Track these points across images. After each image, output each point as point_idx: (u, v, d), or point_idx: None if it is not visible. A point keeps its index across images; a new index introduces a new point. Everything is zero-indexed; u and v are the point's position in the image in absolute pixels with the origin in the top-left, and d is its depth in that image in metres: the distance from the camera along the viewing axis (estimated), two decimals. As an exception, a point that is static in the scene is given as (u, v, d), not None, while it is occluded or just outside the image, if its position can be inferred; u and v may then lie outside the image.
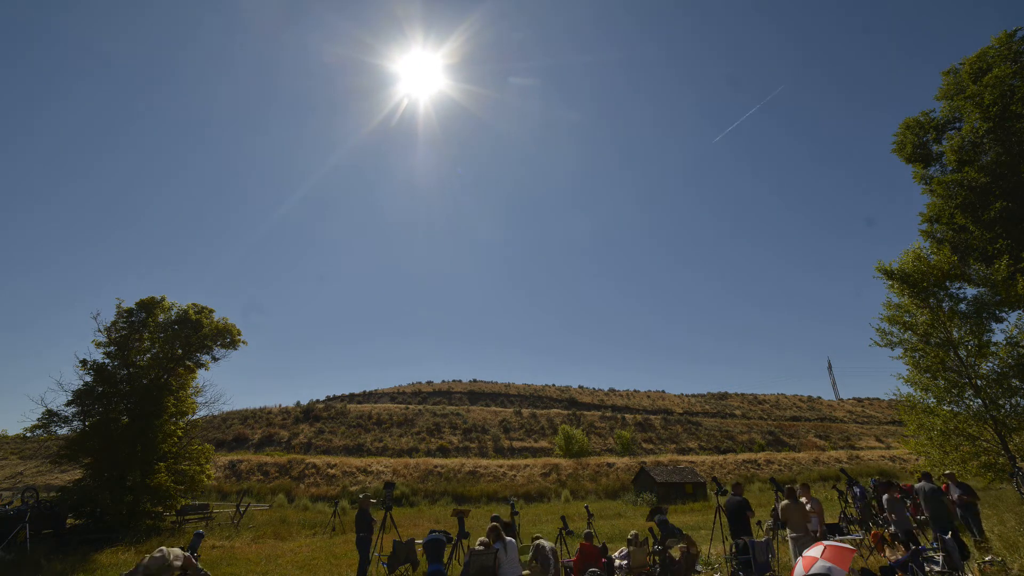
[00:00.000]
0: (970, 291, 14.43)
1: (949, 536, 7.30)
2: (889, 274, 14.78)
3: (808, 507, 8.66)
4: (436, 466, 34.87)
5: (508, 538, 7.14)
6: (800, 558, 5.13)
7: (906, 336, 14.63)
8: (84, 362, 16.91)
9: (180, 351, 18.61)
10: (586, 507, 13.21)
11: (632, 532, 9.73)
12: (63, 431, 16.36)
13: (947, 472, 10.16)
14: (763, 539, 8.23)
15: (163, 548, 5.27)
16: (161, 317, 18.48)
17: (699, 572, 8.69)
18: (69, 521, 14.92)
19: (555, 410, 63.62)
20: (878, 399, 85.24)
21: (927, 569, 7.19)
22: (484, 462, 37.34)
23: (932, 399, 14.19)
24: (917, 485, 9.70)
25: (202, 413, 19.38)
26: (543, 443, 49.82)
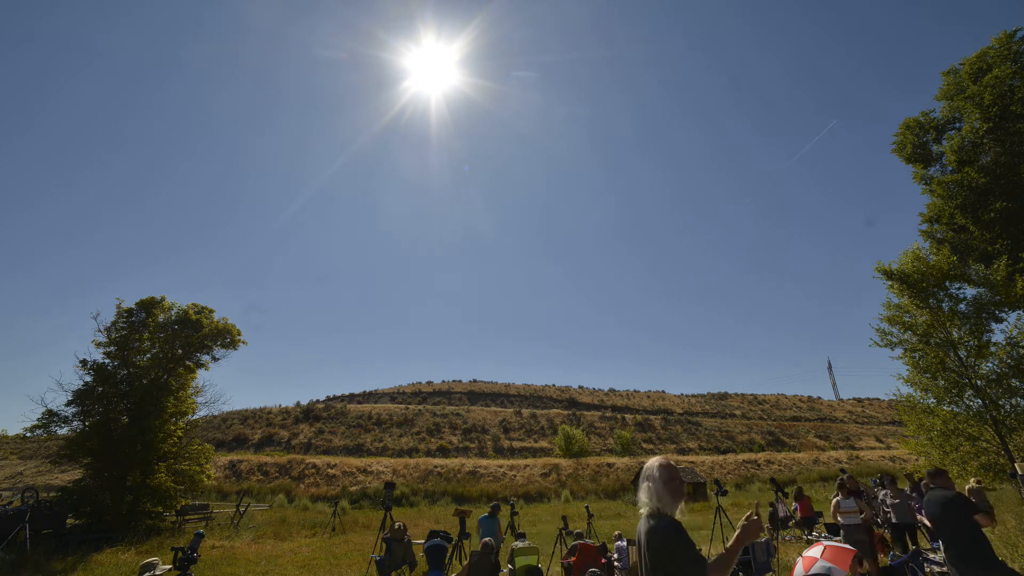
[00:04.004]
0: (970, 291, 14.42)
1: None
2: (889, 274, 14.75)
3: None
4: (436, 466, 34.86)
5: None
6: (800, 558, 5.13)
7: (906, 336, 14.60)
8: (84, 362, 16.91)
9: (180, 351, 18.62)
10: (586, 507, 13.21)
11: (616, 532, 9.73)
12: (63, 431, 16.36)
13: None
14: (763, 539, 8.23)
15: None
16: (161, 317, 18.48)
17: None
18: (69, 521, 14.91)
19: (555, 410, 63.59)
20: (878, 399, 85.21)
21: (927, 569, 7.19)
22: (484, 462, 37.33)
23: (932, 399, 14.15)
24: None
25: (202, 413, 19.39)
26: (543, 443, 49.81)
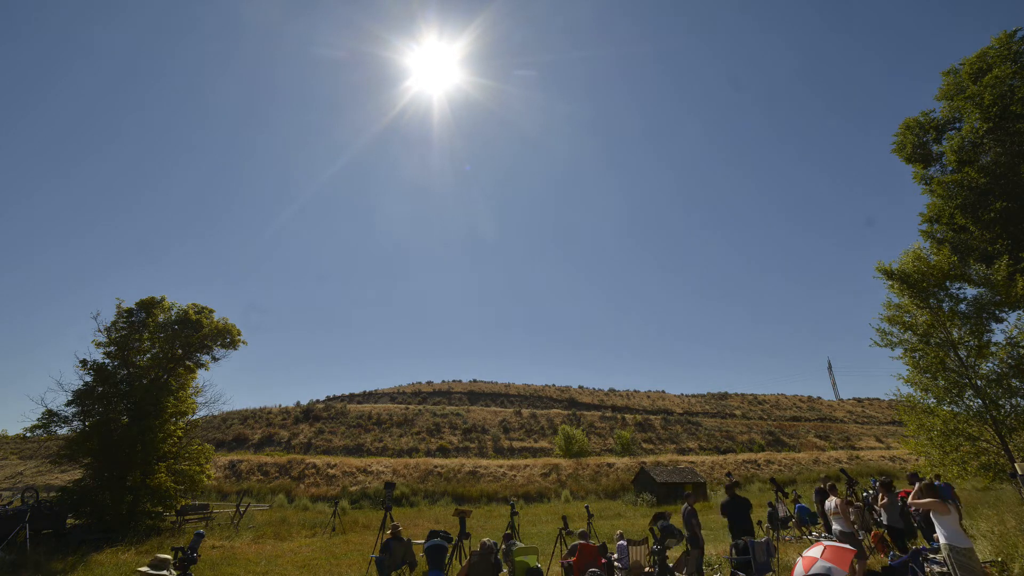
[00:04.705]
0: (970, 291, 14.41)
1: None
2: (889, 274, 14.75)
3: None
4: (436, 466, 34.87)
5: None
6: (800, 558, 5.13)
7: (906, 336, 14.60)
8: (84, 362, 16.92)
9: (180, 351, 18.63)
10: (586, 507, 13.22)
11: (618, 531, 9.77)
12: (63, 431, 16.37)
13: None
14: (763, 539, 8.23)
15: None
16: (161, 317, 18.49)
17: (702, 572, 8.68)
18: (69, 521, 14.92)
19: (555, 410, 63.58)
20: (878, 399, 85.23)
21: (927, 569, 7.19)
22: (484, 462, 37.33)
23: (932, 399, 14.16)
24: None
25: (202, 413, 19.41)
26: (543, 443, 49.80)
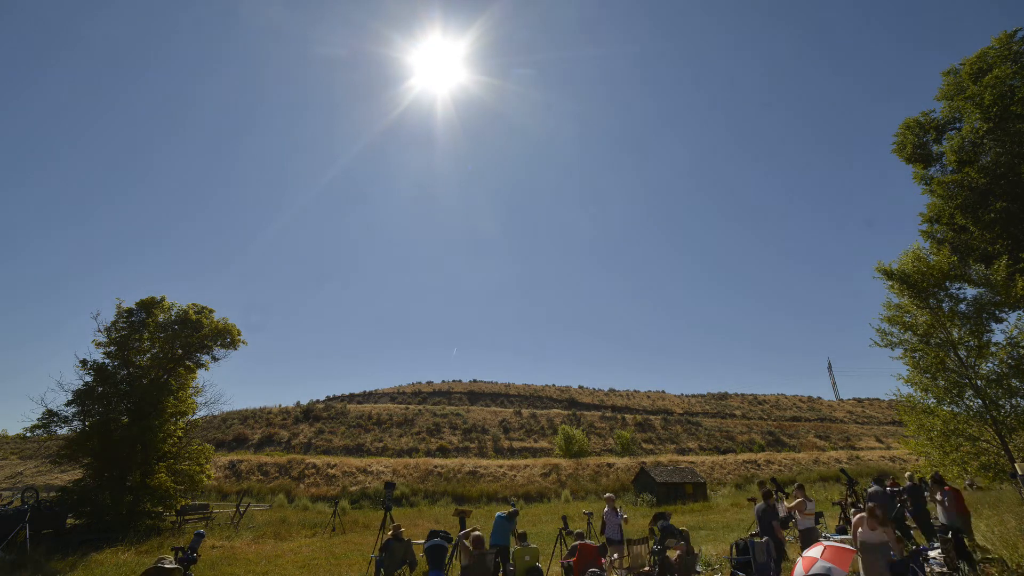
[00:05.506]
0: (970, 291, 14.45)
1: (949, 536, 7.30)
2: (889, 274, 14.78)
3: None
4: (436, 466, 34.89)
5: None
6: (800, 558, 5.14)
7: (906, 336, 14.63)
8: (84, 362, 16.94)
9: (180, 351, 18.65)
10: (586, 513, 13.19)
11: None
12: (63, 431, 16.39)
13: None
14: (763, 539, 8.23)
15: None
16: (161, 317, 18.51)
17: (699, 572, 8.69)
18: (69, 521, 14.92)
19: (555, 410, 63.60)
20: (878, 399, 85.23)
21: (927, 570, 7.19)
22: (484, 462, 37.35)
23: (932, 399, 14.19)
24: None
25: (202, 413, 19.44)
26: (543, 443, 49.81)
